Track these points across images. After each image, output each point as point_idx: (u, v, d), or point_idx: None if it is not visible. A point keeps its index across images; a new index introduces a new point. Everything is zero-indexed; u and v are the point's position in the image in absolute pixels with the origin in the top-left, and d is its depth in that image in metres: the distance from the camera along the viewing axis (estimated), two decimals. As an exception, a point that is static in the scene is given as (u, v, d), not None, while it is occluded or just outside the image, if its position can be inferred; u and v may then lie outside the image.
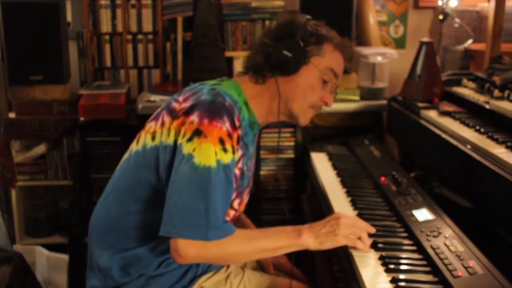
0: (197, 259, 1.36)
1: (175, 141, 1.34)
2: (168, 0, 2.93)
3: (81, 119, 2.68)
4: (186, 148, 1.30)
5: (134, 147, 1.46)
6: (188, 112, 1.34)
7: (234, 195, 1.46)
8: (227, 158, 1.32)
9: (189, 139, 1.31)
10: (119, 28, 2.99)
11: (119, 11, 2.97)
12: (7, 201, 2.89)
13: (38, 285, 2.40)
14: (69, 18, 2.99)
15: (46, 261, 2.71)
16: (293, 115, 1.51)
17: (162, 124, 1.38)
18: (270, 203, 2.74)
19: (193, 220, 1.28)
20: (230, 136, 1.33)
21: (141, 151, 1.41)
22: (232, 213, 1.51)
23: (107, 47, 3.01)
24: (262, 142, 2.66)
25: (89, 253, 1.53)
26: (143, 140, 1.42)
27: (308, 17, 1.52)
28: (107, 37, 3.00)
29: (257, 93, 1.48)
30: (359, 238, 1.45)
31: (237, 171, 1.44)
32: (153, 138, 1.39)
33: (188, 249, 1.29)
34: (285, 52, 1.43)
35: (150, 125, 1.43)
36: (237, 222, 1.75)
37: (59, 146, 2.84)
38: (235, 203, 1.50)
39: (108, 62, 3.03)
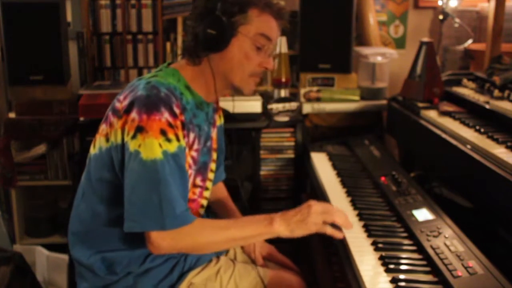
0: (170, 249, 1.41)
1: (123, 140, 1.37)
2: (168, 0, 2.93)
3: (81, 119, 2.68)
4: (132, 145, 1.33)
5: (92, 151, 1.49)
6: (128, 110, 1.36)
7: (194, 173, 1.51)
8: (172, 147, 1.35)
9: (133, 137, 1.33)
10: (119, 28, 2.99)
11: (119, 11, 2.97)
12: (7, 201, 2.88)
13: (38, 285, 2.40)
14: (69, 18, 2.99)
15: (46, 261, 2.71)
16: (236, 87, 1.51)
17: (111, 125, 1.41)
18: (270, 203, 2.74)
19: (148, 212, 1.33)
20: (171, 125, 1.35)
21: (98, 154, 1.45)
22: (197, 190, 1.55)
23: (107, 47, 3.01)
24: (262, 142, 2.66)
25: (73, 260, 1.56)
26: (99, 143, 1.45)
27: None
28: (107, 37, 3.00)
29: (196, 74, 1.49)
30: (333, 224, 1.45)
31: (194, 153, 1.49)
32: (107, 140, 1.42)
33: (161, 241, 1.35)
34: (209, 31, 1.41)
35: (103, 128, 1.46)
36: (222, 208, 1.79)
37: (59, 146, 2.84)
38: (198, 180, 1.55)
39: (108, 62, 3.03)
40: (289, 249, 1.91)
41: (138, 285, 1.49)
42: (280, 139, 2.69)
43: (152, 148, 1.32)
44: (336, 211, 1.46)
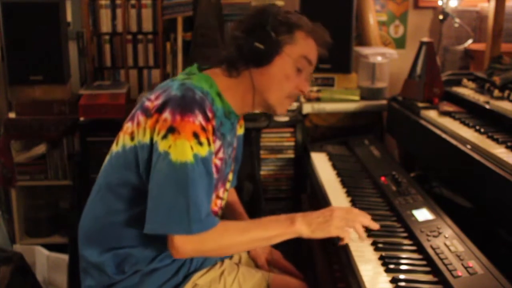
0: (194, 253, 1.41)
1: (151, 139, 1.35)
2: (168, 0, 2.93)
3: (81, 119, 2.68)
4: (162, 145, 1.32)
5: (114, 148, 1.48)
6: (160, 109, 1.35)
7: (219, 185, 1.50)
8: (203, 151, 1.33)
9: (164, 137, 1.32)
10: (119, 28, 2.99)
11: (119, 11, 2.97)
12: (7, 201, 2.89)
13: (38, 285, 2.40)
14: (69, 18, 2.99)
15: (46, 261, 2.71)
16: (270, 106, 1.50)
17: (138, 124, 1.39)
18: (270, 203, 2.73)
19: (174, 215, 1.31)
20: (204, 129, 1.34)
21: (121, 152, 1.43)
22: (218, 202, 1.55)
23: (107, 47, 3.01)
24: (262, 142, 2.66)
25: (80, 257, 1.55)
26: (122, 141, 1.43)
27: (279, 5, 1.49)
28: (107, 37, 3.00)
29: (231, 85, 1.47)
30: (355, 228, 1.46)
31: (217, 162, 1.47)
32: (132, 138, 1.40)
33: (185, 245, 1.34)
34: (256, 44, 1.41)
35: (128, 126, 1.44)
36: (231, 212, 1.78)
37: (59, 146, 2.84)
38: (220, 192, 1.54)
39: (108, 62, 3.03)
40: (289, 249, 1.91)
41: (144, 284, 1.48)
42: (280, 139, 2.69)
43: (184, 150, 1.30)
44: (357, 217, 1.47)
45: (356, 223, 1.45)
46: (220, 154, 1.48)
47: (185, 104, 1.33)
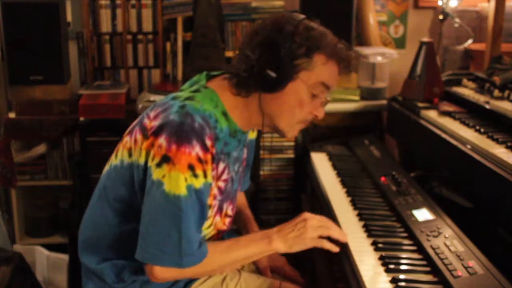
0: (172, 279, 1.43)
1: (146, 162, 1.31)
2: (168, 0, 2.93)
3: (81, 119, 2.68)
4: (156, 173, 1.27)
5: (113, 161, 1.44)
6: (156, 133, 1.28)
7: (223, 203, 1.46)
8: (198, 183, 1.28)
9: (158, 165, 1.26)
10: (119, 28, 2.99)
11: (119, 11, 2.97)
12: (7, 201, 2.89)
13: (38, 285, 2.40)
14: (69, 18, 2.99)
15: (46, 261, 2.71)
16: (280, 131, 1.42)
17: (135, 141, 1.35)
18: (270, 203, 2.74)
19: (166, 247, 1.29)
20: (200, 160, 1.27)
21: (119, 166, 1.40)
22: (227, 220, 1.51)
23: (107, 47, 3.01)
24: (262, 142, 2.66)
25: (80, 261, 1.54)
26: (121, 155, 1.40)
27: (300, 19, 1.34)
28: (107, 37, 3.00)
29: (238, 105, 1.38)
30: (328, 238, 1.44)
31: (221, 184, 1.42)
32: (130, 155, 1.36)
33: (164, 274, 1.33)
34: (269, 72, 1.29)
35: (126, 140, 1.40)
36: (238, 215, 1.74)
37: (59, 146, 2.84)
38: (229, 210, 1.51)
39: (108, 62, 3.03)
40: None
41: None
42: (280, 139, 2.69)
43: (178, 182, 1.25)
44: (331, 224, 1.45)
45: (330, 231, 1.43)
46: (224, 176, 1.43)
47: (182, 133, 1.26)
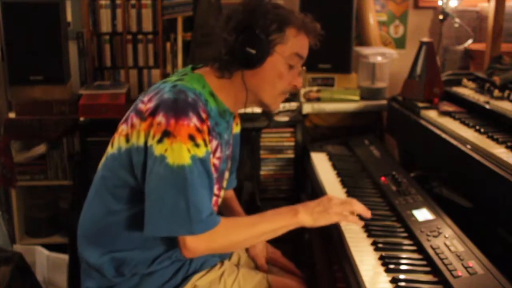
0: (206, 251, 1.43)
1: (146, 143, 1.35)
2: (168, 0, 2.93)
3: (81, 119, 2.68)
4: (158, 149, 1.31)
5: (109, 150, 1.48)
6: (153, 112, 1.34)
7: (216, 183, 1.51)
8: (201, 152, 1.34)
9: (159, 141, 1.31)
10: (119, 28, 2.99)
11: (119, 11, 2.97)
12: (7, 201, 2.89)
13: (38, 285, 2.40)
14: (69, 18, 2.99)
15: (46, 261, 2.71)
16: (264, 104, 1.52)
17: (132, 126, 1.39)
18: (270, 203, 2.73)
19: (175, 217, 1.33)
20: (199, 130, 1.34)
21: (117, 153, 1.43)
22: (213, 199, 1.54)
23: (107, 47, 3.01)
24: (262, 142, 2.66)
25: (80, 257, 1.55)
26: (118, 143, 1.43)
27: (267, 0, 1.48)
28: (107, 37, 3.00)
29: (223, 85, 1.48)
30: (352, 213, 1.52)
31: (216, 161, 1.48)
32: (127, 140, 1.40)
33: (197, 245, 1.36)
34: (248, 49, 1.40)
35: (122, 128, 1.44)
36: (227, 209, 1.80)
37: (59, 146, 2.84)
38: (215, 189, 1.54)
39: (108, 62, 3.03)
40: (289, 249, 1.91)
41: (143, 285, 1.48)
42: (280, 139, 2.69)
43: (180, 153, 1.30)
44: (354, 201, 1.52)
45: (354, 207, 1.51)
46: (218, 154, 1.49)
47: (178, 107, 1.33)
